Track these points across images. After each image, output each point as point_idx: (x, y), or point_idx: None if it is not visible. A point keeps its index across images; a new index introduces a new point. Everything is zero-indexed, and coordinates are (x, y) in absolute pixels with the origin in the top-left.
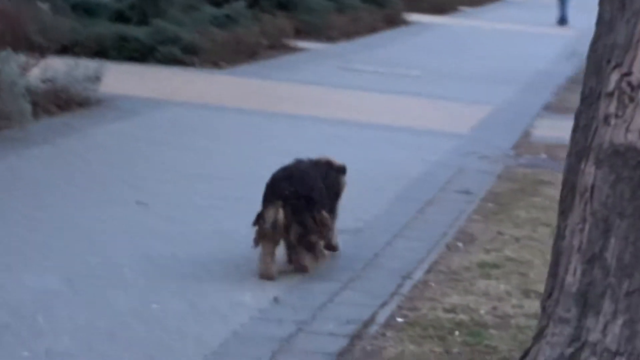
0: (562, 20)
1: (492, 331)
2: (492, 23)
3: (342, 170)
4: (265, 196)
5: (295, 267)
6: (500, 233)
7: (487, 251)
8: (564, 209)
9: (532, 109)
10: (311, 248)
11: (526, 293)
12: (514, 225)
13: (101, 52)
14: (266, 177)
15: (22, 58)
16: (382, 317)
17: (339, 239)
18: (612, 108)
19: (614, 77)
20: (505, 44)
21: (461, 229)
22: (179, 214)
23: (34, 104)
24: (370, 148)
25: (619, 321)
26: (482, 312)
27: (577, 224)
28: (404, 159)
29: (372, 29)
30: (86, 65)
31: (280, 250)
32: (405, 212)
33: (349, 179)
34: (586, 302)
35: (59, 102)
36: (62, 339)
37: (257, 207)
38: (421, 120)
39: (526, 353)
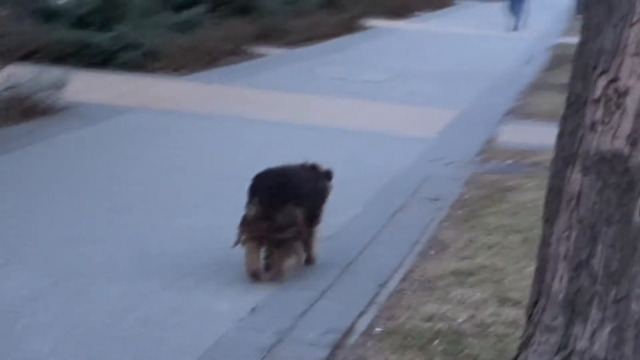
0: (514, 24)
1: (471, 340)
2: (448, 27)
3: (327, 175)
4: (247, 196)
5: (271, 273)
6: (471, 240)
7: (460, 259)
8: (549, 216)
9: (495, 114)
10: (282, 245)
11: (502, 301)
12: (484, 232)
13: (62, 58)
14: (234, 179)
15: None
16: (361, 326)
17: (317, 248)
18: (599, 114)
19: (601, 83)
20: (464, 48)
21: (433, 236)
22: (149, 219)
23: None
24: (337, 153)
25: (607, 329)
26: (460, 320)
27: (563, 231)
28: (372, 165)
29: (331, 34)
30: (49, 72)
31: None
32: (377, 218)
33: None
34: (573, 310)
35: (23, 109)
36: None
37: (227, 210)
38: (387, 125)
39: None
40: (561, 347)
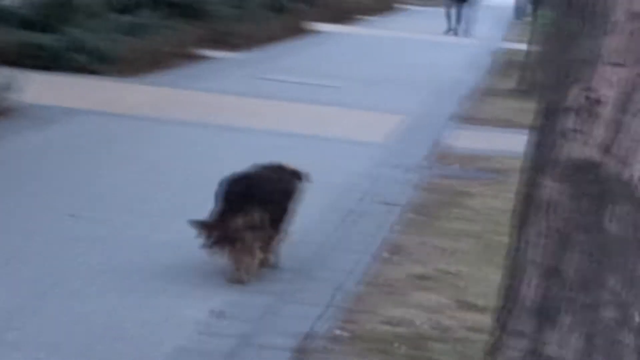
0: (450, 30)
1: (433, 344)
2: (391, 32)
3: (296, 174)
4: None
5: (231, 276)
6: (427, 244)
7: (417, 263)
8: (520, 222)
9: (441, 119)
10: (243, 248)
11: (461, 305)
12: (438, 237)
13: (9, 60)
14: (188, 185)
15: None
16: (322, 330)
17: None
18: (571, 123)
19: (574, 91)
20: (408, 53)
21: (387, 240)
22: (108, 224)
23: None
24: (287, 157)
25: (577, 334)
26: (420, 324)
27: (534, 237)
28: (323, 169)
29: (277, 38)
30: None
31: None
32: (331, 223)
33: None
34: (543, 316)
35: None
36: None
37: (188, 214)
38: (335, 129)
39: None
40: (530, 352)
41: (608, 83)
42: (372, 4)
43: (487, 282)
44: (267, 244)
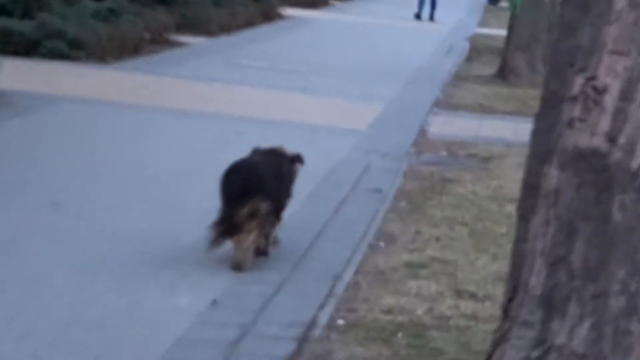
0: (419, 17)
1: (433, 333)
2: (364, 17)
3: (298, 159)
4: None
5: (233, 264)
6: (419, 232)
7: (410, 251)
8: (524, 212)
9: (422, 106)
10: (247, 237)
11: (458, 293)
12: (431, 225)
13: None
14: (169, 173)
15: None
16: (322, 319)
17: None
18: (577, 112)
19: (579, 80)
20: (382, 39)
21: (380, 229)
22: (94, 214)
23: None
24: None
25: (586, 324)
26: (419, 313)
27: (540, 227)
28: (308, 157)
29: (249, 23)
30: None
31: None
32: (321, 211)
33: None
34: (551, 306)
35: None
36: (6, 345)
37: (170, 201)
38: (316, 117)
39: (489, 357)
40: (539, 342)
41: (613, 72)
42: None
43: (481, 270)
44: (269, 232)
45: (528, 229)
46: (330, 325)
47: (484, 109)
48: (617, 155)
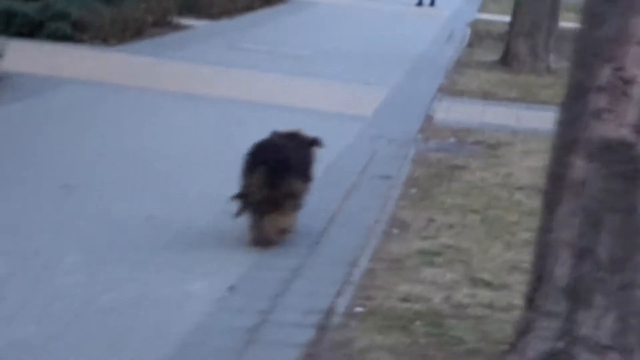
0: (420, 3)
1: (451, 321)
2: (365, 2)
3: (314, 142)
4: (244, 167)
5: (262, 237)
6: (431, 219)
7: (424, 238)
8: (550, 202)
9: (426, 92)
10: (282, 214)
11: (474, 282)
12: (442, 212)
13: None
14: (175, 158)
15: None
16: (341, 307)
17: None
18: (604, 102)
19: (606, 71)
20: (382, 24)
21: (392, 215)
22: (101, 196)
23: None
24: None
25: (612, 316)
26: (436, 301)
27: (566, 217)
28: None
29: (250, 7)
30: None
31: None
32: (331, 198)
33: None
34: (577, 296)
35: None
36: (20, 330)
37: (176, 183)
38: (319, 102)
39: (513, 346)
40: (564, 332)
41: None
42: None
43: (496, 258)
44: (295, 212)
45: (553, 220)
46: (349, 313)
47: (488, 96)
48: None
